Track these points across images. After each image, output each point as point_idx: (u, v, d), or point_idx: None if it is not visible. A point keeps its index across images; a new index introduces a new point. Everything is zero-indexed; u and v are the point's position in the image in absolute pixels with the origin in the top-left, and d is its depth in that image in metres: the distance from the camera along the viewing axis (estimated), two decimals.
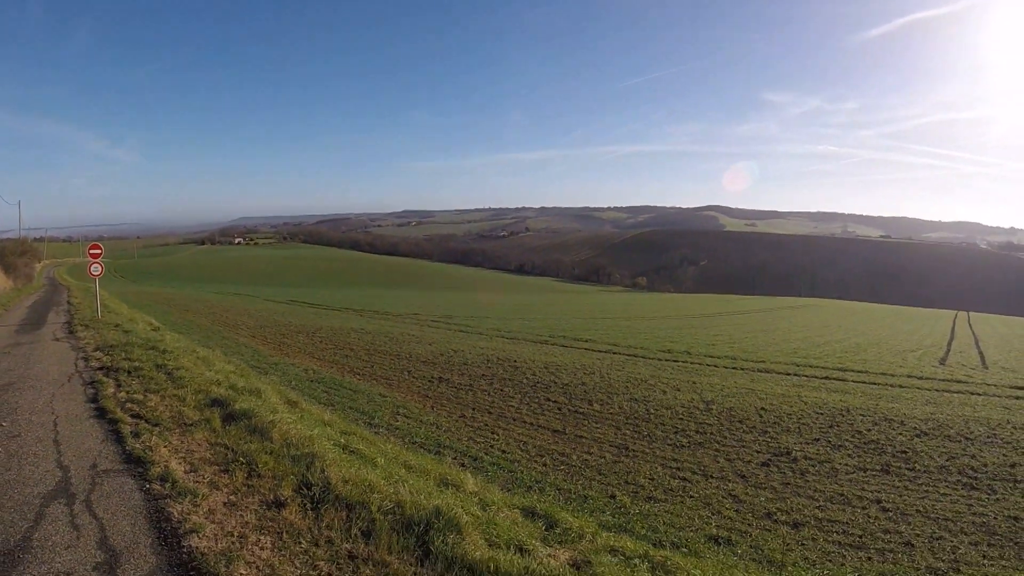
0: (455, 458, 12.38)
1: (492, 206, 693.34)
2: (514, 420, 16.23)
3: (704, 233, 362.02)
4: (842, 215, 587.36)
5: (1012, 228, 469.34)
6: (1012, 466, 14.62)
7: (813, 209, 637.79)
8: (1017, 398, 22.74)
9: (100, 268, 28.36)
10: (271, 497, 6.86)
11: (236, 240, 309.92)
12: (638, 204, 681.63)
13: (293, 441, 8.60)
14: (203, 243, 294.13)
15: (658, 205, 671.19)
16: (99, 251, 28.70)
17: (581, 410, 17.41)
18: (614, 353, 27.64)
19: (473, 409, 17.11)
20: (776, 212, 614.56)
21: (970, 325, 63.23)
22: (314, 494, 6.87)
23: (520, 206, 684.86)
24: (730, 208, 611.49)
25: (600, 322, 46.49)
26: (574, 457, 13.37)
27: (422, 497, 6.98)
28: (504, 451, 13.45)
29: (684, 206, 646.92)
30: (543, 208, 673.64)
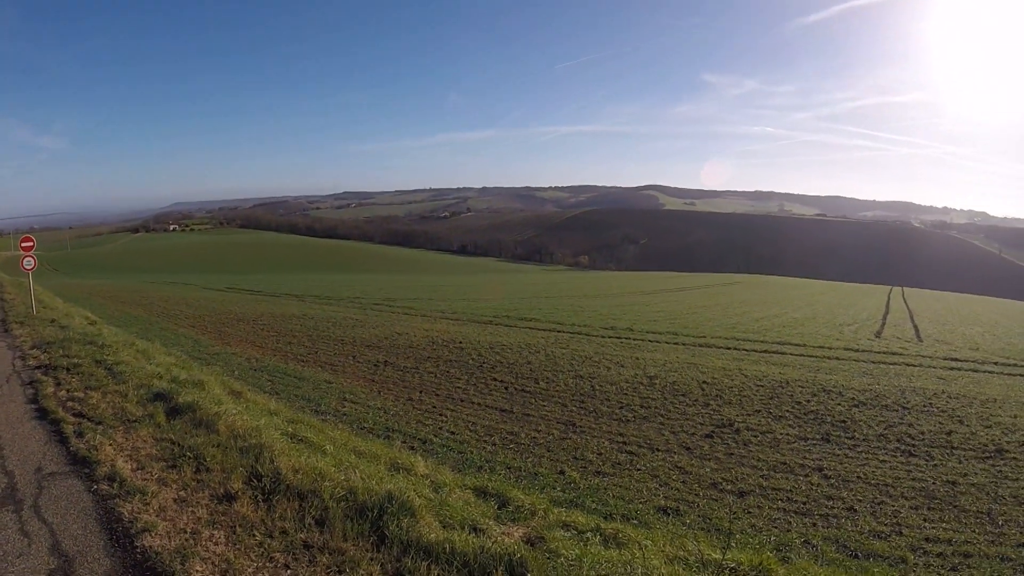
0: (405, 441, 12.34)
1: (433, 187, 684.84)
2: (462, 401, 16.27)
3: (644, 212, 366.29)
4: (778, 194, 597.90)
5: (945, 208, 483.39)
6: (948, 433, 15.23)
7: (750, 188, 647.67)
8: (951, 369, 23.59)
9: (33, 262, 27.24)
10: (221, 491, 6.81)
11: (171, 227, 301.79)
12: (579, 184, 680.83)
13: (240, 432, 8.51)
14: (137, 231, 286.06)
15: (599, 185, 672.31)
16: (31, 244, 27.53)
17: (528, 389, 17.55)
18: (558, 331, 27.87)
19: (420, 392, 17.11)
20: (714, 191, 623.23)
21: (904, 300, 64.99)
22: (265, 485, 6.83)
23: (461, 186, 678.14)
24: (669, 187, 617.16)
25: (544, 301, 46.63)
26: (522, 435, 13.47)
27: (374, 482, 6.99)
28: (453, 432, 13.48)
29: (625, 186, 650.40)
30: (484, 188, 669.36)
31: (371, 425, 13.68)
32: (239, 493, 6.69)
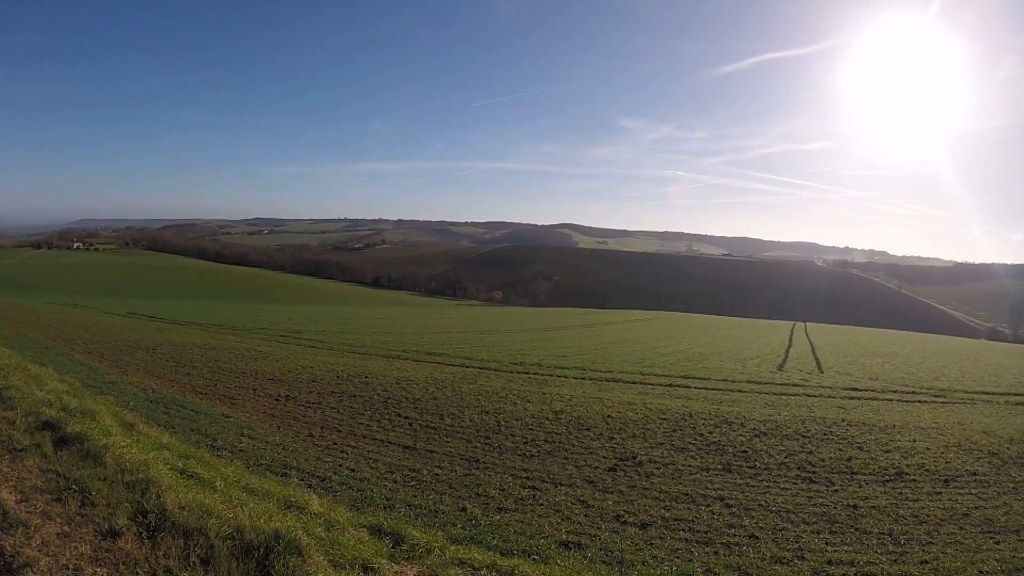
0: (302, 479, 12.10)
1: (348, 216, 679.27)
2: (364, 437, 16.02)
3: (558, 249, 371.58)
4: (688, 235, 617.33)
5: (846, 248, 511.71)
6: (848, 459, 15.94)
7: (661, 229, 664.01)
8: (851, 398, 24.69)
9: None
10: (106, 526, 6.57)
11: (75, 244, 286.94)
12: (495, 220, 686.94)
13: (127, 466, 8.23)
14: (39, 247, 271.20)
15: (514, 221, 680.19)
16: None
17: (432, 424, 17.42)
18: (466, 367, 27.83)
19: (321, 427, 16.77)
20: (626, 231, 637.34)
21: (807, 334, 67.26)
22: (150, 521, 6.62)
23: (377, 218, 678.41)
24: (583, 226, 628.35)
25: (454, 336, 46.61)
26: (425, 472, 13.36)
27: (262, 520, 6.84)
28: (353, 469, 13.25)
29: (540, 223, 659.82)
30: (400, 221, 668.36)
31: (268, 461, 13.33)
32: (124, 529, 6.47)
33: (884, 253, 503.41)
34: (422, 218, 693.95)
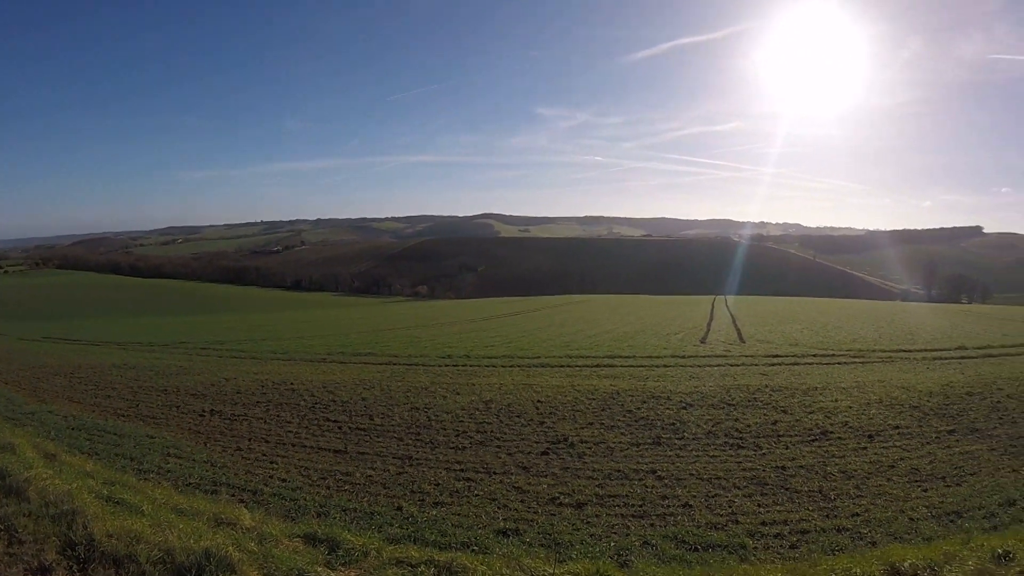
0: (233, 494, 11.95)
1: (265, 219, 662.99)
2: (293, 446, 15.85)
3: (481, 240, 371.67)
4: (608, 218, 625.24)
5: (762, 223, 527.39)
6: (774, 423, 16.66)
7: (581, 214, 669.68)
8: (773, 365, 25.55)
9: None
10: (35, 564, 6.39)
11: None
12: (416, 214, 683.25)
13: (52, 499, 8.01)
14: None
15: (436, 214, 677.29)
16: None
17: (362, 426, 17.34)
18: (394, 364, 27.70)
19: (249, 440, 16.49)
20: (547, 217, 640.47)
21: (728, 307, 68.84)
22: (79, 553, 6.48)
23: (295, 219, 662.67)
24: (504, 215, 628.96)
25: (380, 334, 46.28)
26: (358, 475, 13.32)
27: (192, 540, 6.76)
28: (284, 479, 13.13)
29: (461, 215, 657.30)
30: (319, 220, 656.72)
31: (197, 480, 13.08)
32: (54, 564, 6.31)
33: (798, 225, 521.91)
34: (341, 216, 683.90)
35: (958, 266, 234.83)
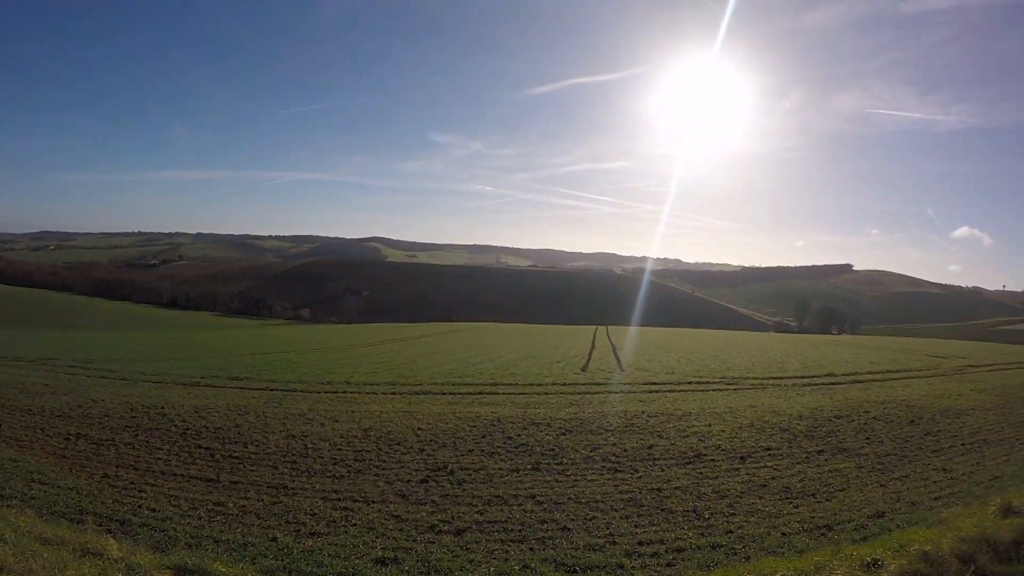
0: (100, 523, 11.29)
1: (143, 230, 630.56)
2: (163, 474, 15.09)
3: (368, 263, 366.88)
4: (496, 247, 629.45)
5: (643, 257, 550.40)
6: (650, 447, 17.18)
7: (469, 242, 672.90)
8: (650, 392, 26.23)
9: None
10: None
11: None
12: (301, 233, 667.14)
13: None
14: None
15: (322, 235, 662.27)
16: None
17: (236, 454, 16.70)
18: (271, 390, 26.87)
19: (117, 466, 15.60)
20: (435, 244, 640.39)
21: (609, 337, 70.15)
22: None
23: (174, 231, 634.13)
24: (392, 240, 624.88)
25: (259, 358, 44.88)
26: (231, 504, 12.83)
27: (57, 571, 6.44)
28: (154, 509, 12.46)
29: (348, 237, 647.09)
30: (200, 235, 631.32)
31: (62, 508, 12.29)
32: None
33: (678, 261, 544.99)
34: (223, 231, 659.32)
35: (829, 300, 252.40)
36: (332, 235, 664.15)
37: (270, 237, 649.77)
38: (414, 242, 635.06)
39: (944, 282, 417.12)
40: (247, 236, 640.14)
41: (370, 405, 22.97)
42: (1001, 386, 33.96)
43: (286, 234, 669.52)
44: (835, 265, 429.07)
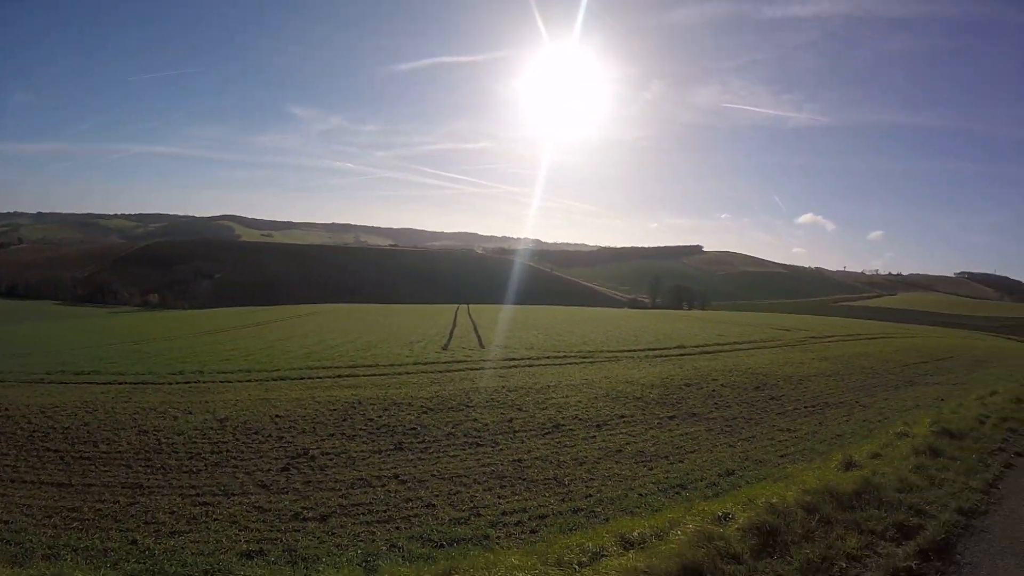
0: None
1: None
2: (12, 481, 14.13)
3: (220, 244, 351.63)
4: (355, 226, 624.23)
5: (504, 237, 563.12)
6: (510, 421, 17.80)
7: (327, 220, 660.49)
8: (509, 367, 26.89)
9: None
10: None
11: None
12: (149, 212, 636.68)
13: None
14: None
15: (170, 213, 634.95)
16: None
17: (87, 455, 15.85)
18: (120, 383, 25.49)
19: None
20: (291, 223, 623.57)
21: (470, 315, 70.66)
22: None
23: (12, 211, 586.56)
24: (245, 218, 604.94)
25: (106, 350, 42.46)
26: (86, 509, 12.25)
27: None
28: (6, 521, 11.71)
29: (198, 215, 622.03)
30: (40, 215, 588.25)
31: None
32: None
33: (538, 241, 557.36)
34: (65, 210, 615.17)
35: (681, 279, 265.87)
36: (182, 213, 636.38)
37: (116, 216, 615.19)
38: (269, 220, 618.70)
39: (789, 263, 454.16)
40: (91, 215, 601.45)
41: (225, 394, 22.31)
42: (841, 355, 37.08)
43: (133, 212, 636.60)
44: (687, 246, 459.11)
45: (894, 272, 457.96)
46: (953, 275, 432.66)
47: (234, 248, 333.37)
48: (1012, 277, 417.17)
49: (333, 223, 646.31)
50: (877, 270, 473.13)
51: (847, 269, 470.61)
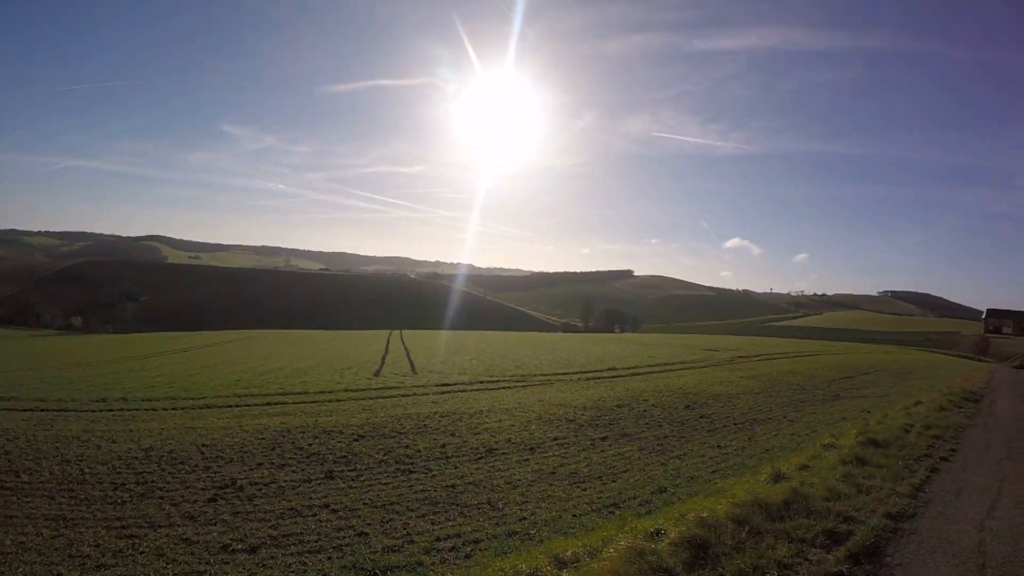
0: None
1: None
2: None
3: (146, 266, 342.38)
4: (285, 249, 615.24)
5: (437, 262, 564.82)
6: (443, 446, 17.66)
7: (258, 243, 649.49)
8: (442, 393, 26.73)
9: None
10: None
11: None
12: (74, 230, 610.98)
13: None
14: None
15: (96, 232, 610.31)
16: None
17: (8, 485, 15.17)
18: (41, 410, 24.52)
19: None
20: (220, 244, 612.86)
21: (403, 341, 70.19)
22: None
23: None
24: (173, 239, 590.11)
25: (26, 375, 40.94)
26: (8, 543, 11.70)
27: None
28: None
29: (124, 234, 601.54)
30: None
31: None
32: None
33: (471, 266, 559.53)
34: None
35: (612, 302, 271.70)
36: (108, 232, 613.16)
37: (39, 233, 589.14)
38: (198, 242, 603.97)
39: (717, 286, 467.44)
40: (13, 231, 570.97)
41: (150, 423, 21.66)
42: (768, 373, 37.99)
43: (57, 230, 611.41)
44: (619, 271, 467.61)
45: (819, 292, 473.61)
46: (877, 294, 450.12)
47: (161, 270, 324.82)
48: (933, 294, 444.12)
49: (264, 246, 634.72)
50: (803, 291, 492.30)
51: (774, 291, 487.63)
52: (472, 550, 10.82)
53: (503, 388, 28.80)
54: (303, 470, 15.85)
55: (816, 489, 10.69)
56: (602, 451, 18.26)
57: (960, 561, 8.47)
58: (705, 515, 8.86)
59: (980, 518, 10.33)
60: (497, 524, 12.09)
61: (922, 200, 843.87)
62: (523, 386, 29.62)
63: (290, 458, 16.78)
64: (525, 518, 12.43)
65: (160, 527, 12.43)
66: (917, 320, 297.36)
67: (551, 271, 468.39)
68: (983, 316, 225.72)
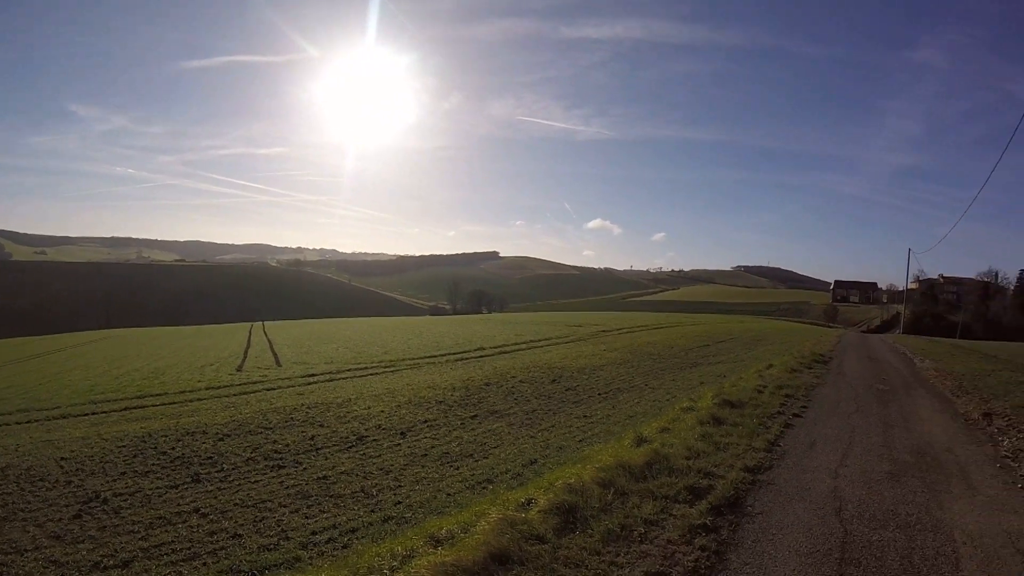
0: None
1: None
2: None
3: None
4: (137, 240, 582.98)
5: (299, 248, 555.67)
6: (312, 438, 17.42)
7: (106, 234, 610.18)
8: (308, 384, 26.35)
9: None
10: None
11: None
12: None
13: None
14: None
15: None
16: None
17: None
18: None
19: None
20: (68, 238, 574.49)
21: (265, 333, 68.35)
22: None
23: None
24: (16, 233, 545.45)
25: None
26: None
27: None
28: None
29: None
30: None
31: None
32: None
33: (335, 251, 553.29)
34: None
35: (479, 284, 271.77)
36: None
37: None
38: (43, 236, 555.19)
39: (581, 265, 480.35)
40: None
41: (5, 439, 20.20)
42: (629, 345, 39.37)
43: None
44: (484, 252, 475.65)
45: (677, 268, 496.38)
46: (730, 268, 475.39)
47: (4, 268, 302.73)
48: (783, 268, 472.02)
49: (114, 237, 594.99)
50: (661, 267, 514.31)
51: (634, 268, 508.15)
52: (349, 540, 10.84)
53: (371, 375, 28.62)
54: (168, 476, 15.28)
55: (676, 449, 11.28)
56: (472, 430, 18.56)
57: (817, 505, 9.18)
58: (572, 481, 9.22)
59: (834, 466, 11.21)
60: (372, 511, 12.14)
61: (775, 183, 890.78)
62: (392, 371, 29.56)
63: (154, 464, 16.14)
64: (400, 502, 12.54)
65: (26, 551, 11.74)
66: (769, 291, 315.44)
67: (417, 254, 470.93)
68: (831, 287, 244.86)
